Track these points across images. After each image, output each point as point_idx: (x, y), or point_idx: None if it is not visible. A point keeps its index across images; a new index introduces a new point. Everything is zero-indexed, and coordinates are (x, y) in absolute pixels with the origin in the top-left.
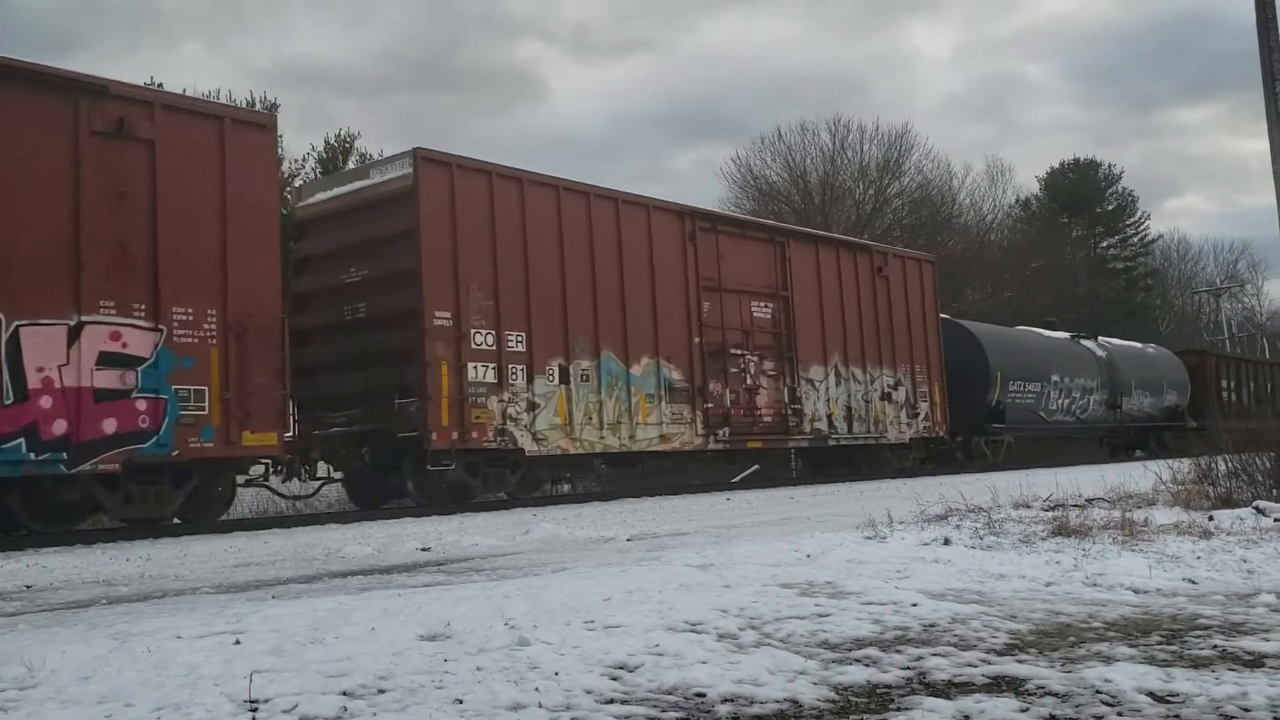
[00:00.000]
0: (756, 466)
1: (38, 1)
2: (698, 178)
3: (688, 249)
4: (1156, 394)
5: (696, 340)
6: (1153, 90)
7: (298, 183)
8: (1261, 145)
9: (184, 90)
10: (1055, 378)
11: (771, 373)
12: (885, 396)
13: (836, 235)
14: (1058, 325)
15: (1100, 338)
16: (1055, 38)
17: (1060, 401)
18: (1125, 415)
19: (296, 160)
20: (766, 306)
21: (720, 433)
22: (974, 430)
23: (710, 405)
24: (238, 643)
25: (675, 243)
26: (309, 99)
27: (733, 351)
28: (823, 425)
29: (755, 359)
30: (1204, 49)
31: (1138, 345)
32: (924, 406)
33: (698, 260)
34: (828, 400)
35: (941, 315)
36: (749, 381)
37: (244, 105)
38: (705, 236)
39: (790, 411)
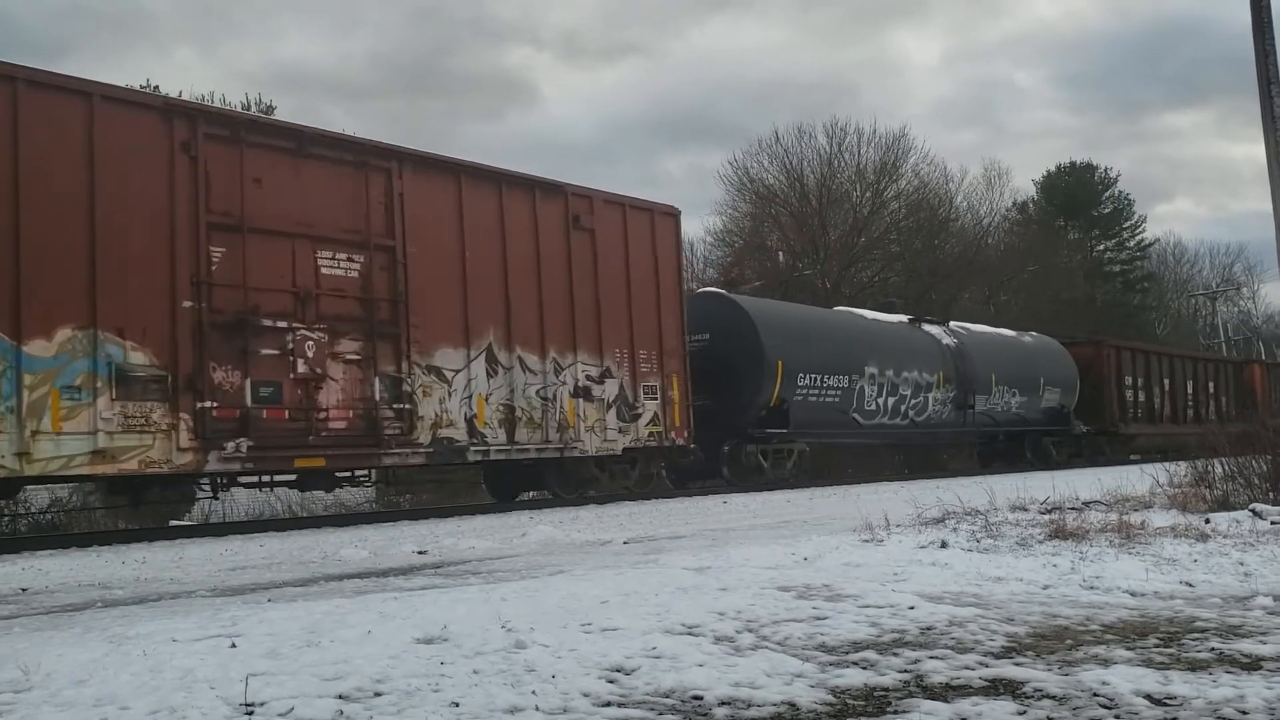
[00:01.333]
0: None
1: (28, 8)
2: (689, 181)
3: (178, 165)
4: (1030, 392)
5: (189, 304)
6: (1140, 96)
7: None
8: (1251, 150)
9: (180, 94)
10: (873, 370)
11: (353, 356)
12: (581, 392)
13: (499, 168)
14: (898, 307)
15: (954, 323)
16: (1041, 44)
17: (882, 400)
18: (983, 417)
19: None
20: (351, 261)
21: (232, 445)
22: (744, 437)
23: (213, 405)
24: (234, 646)
25: (157, 155)
26: (300, 103)
27: (268, 324)
28: (457, 433)
29: (320, 336)
30: (1188, 55)
31: (1008, 333)
32: (651, 406)
33: (206, 184)
34: (470, 398)
35: (711, 289)
36: (303, 369)
37: (258, 110)
38: (220, 149)
39: (391, 413)
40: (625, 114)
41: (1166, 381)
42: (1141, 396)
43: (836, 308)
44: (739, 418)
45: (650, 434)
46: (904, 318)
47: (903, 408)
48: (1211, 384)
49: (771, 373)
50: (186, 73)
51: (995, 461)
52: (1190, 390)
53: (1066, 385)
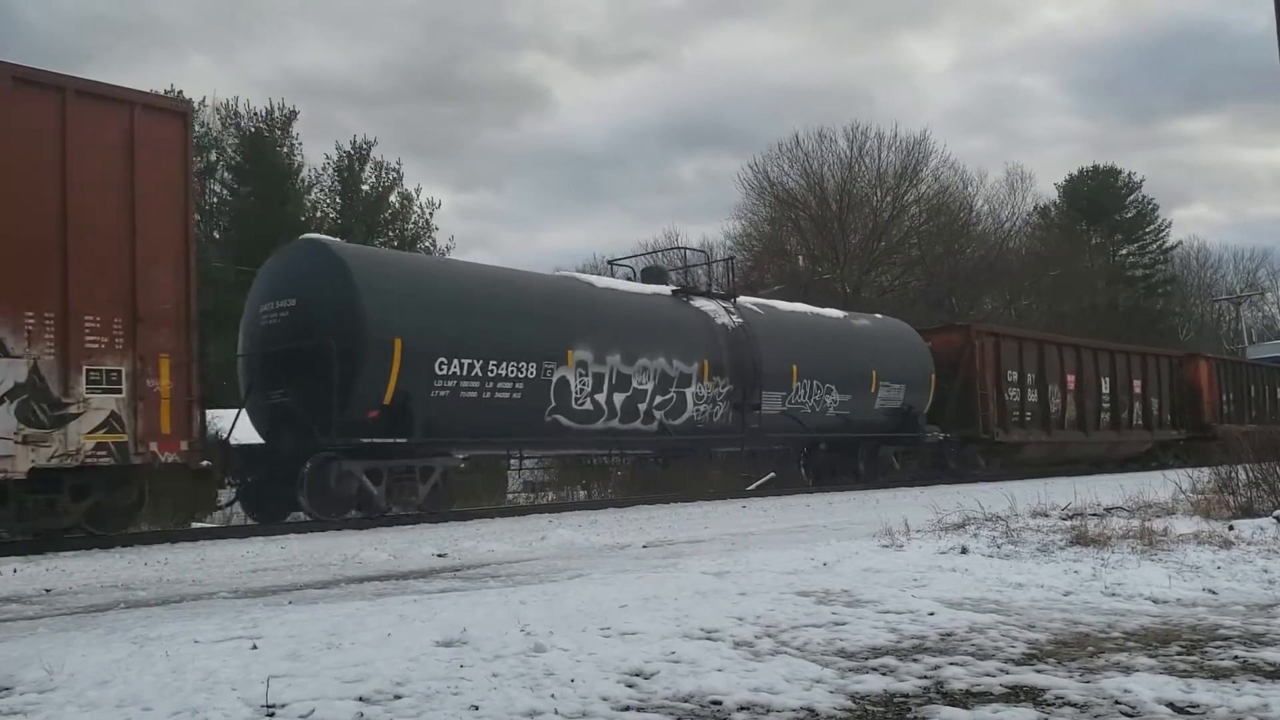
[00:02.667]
0: (773, 475)
1: (48, 17)
2: (701, 187)
3: None
4: (857, 389)
5: None
6: (1152, 101)
7: (312, 196)
8: (1267, 155)
9: (204, 99)
10: (586, 356)
11: None
12: None
13: None
14: (669, 278)
15: (747, 298)
16: (1052, 50)
17: (604, 397)
18: (781, 420)
19: (316, 169)
20: None
21: None
22: (341, 450)
23: None
24: (255, 648)
25: None
26: (314, 110)
27: None
28: None
29: None
30: (1200, 62)
31: (830, 314)
32: (104, 402)
33: None
34: None
35: (309, 236)
36: None
37: (261, 113)
38: None
39: None
40: (638, 120)
41: (1071, 378)
42: (1032, 396)
43: (556, 273)
44: (328, 421)
45: (98, 446)
46: (666, 289)
47: (642, 406)
48: (1138, 382)
49: (382, 354)
50: (202, 80)
51: (841, 475)
52: (1107, 389)
53: (915, 381)
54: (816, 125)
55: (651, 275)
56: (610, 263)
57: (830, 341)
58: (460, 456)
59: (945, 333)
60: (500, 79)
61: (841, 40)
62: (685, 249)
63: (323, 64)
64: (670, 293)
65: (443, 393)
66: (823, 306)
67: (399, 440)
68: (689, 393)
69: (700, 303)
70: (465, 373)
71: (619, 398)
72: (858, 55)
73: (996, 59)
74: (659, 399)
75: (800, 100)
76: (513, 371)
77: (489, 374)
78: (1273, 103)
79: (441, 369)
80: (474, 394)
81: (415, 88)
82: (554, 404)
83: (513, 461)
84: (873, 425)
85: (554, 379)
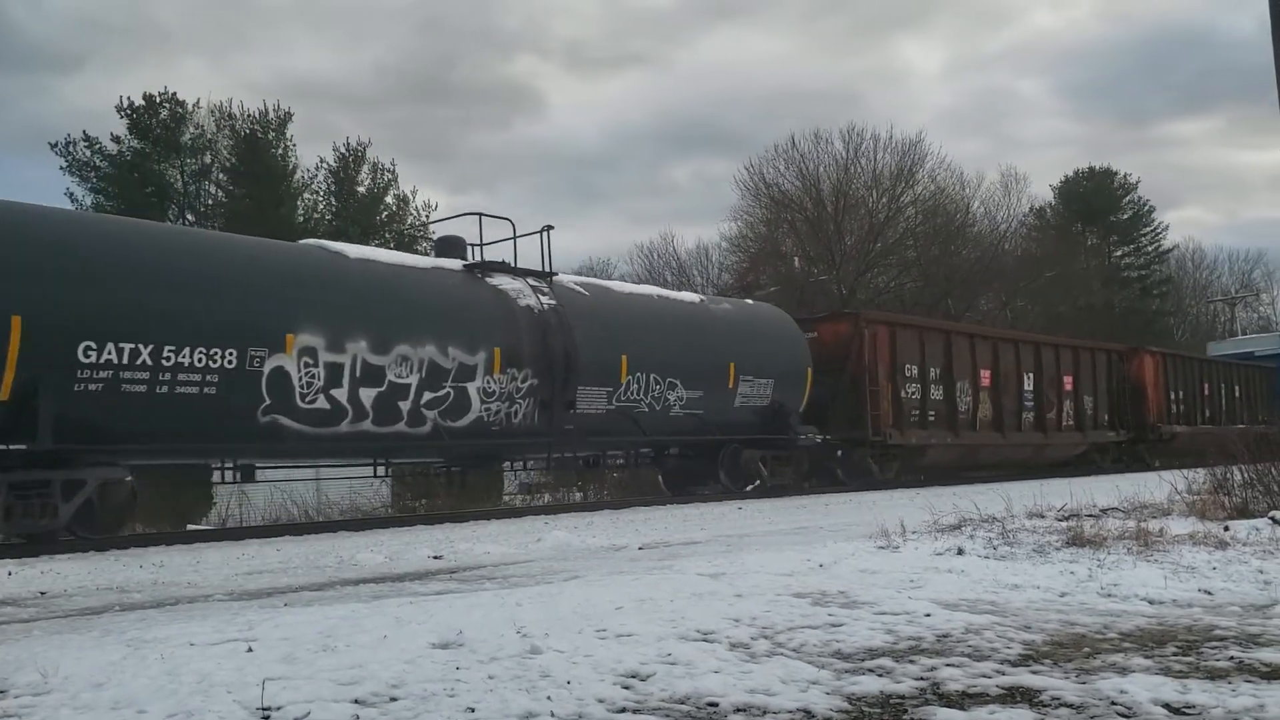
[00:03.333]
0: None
1: (41, 21)
2: (694, 189)
3: None
4: (711, 385)
5: None
6: (1145, 104)
7: (307, 198)
8: (1259, 158)
9: (198, 101)
10: (313, 340)
11: None
12: None
13: None
14: (463, 249)
15: (571, 277)
16: (1044, 54)
17: (345, 392)
18: (607, 420)
19: (310, 170)
20: None
21: None
22: None
23: None
24: (250, 650)
25: None
26: (308, 113)
27: None
28: None
29: None
30: (1193, 65)
31: (682, 298)
32: None
33: None
34: None
35: None
36: None
37: (256, 115)
38: None
39: None
40: (631, 123)
41: (985, 374)
42: (936, 393)
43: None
44: None
45: None
46: (457, 263)
47: (405, 405)
48: (1069, 378)
49: None
50: (194, 84)
51: (702, 484)
52: (1030, 386)
53: (787, 375)
54: (811, 127)
55: (446, 247)
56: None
57: (676, 329)
58: (127, 466)
59: (832, 322)
60: (493, 81)
61: (834, 42)
62: (483, 215)
63: (316, 67)
64: (461, 268)
65: (93, 386)
66: (768, 301)
67: (17, 447)
68: (473, 388)
69: (500, 280)
70: (128, 360)
71: (369, 394)
72: (850, 58)
73: (988, 62)
74: (429, 396)
75: (793, 103)
76: (202, 360)
77: (165, 363)
78: (1265, 105)
79: (89, 355)
80: (143, 388)
81: (408, 90)
82: (269, 402)
83: (227, 474)
84: (733, 426)
85: (266, 370)
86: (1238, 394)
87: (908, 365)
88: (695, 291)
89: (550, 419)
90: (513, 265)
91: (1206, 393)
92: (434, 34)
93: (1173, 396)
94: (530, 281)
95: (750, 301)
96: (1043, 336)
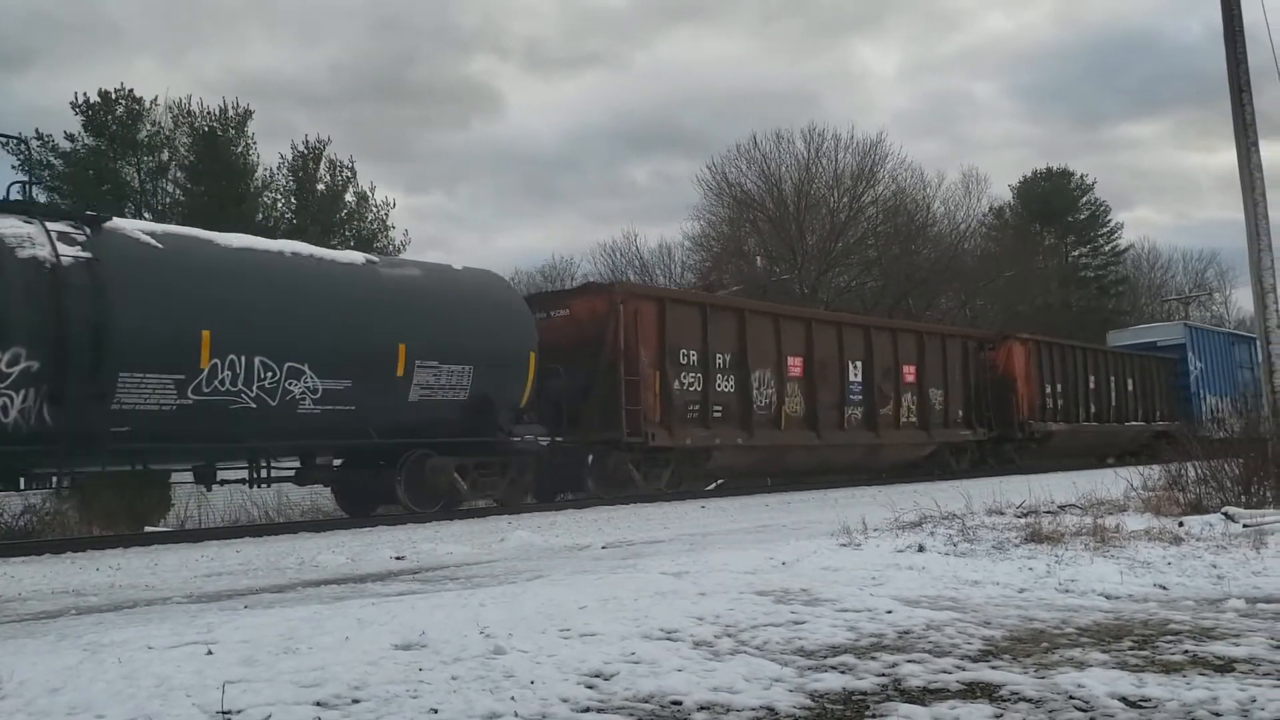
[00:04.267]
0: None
1: None
2: (654, 189)
3: None
4: (369, 373)
5: None
6: (1097, 107)
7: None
8: (1207, 159)
9: (155, 98)
10: None
11: None
12: None
13: None
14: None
15: (127, 221)
16: (996, 57)
17: None
18: (180, 423)
19: (269, 169)
20: None
21: None
22: None
23: None
24: (210, 653)
25: None
26: (265, 112)
27: None
28: None
29: None
30: (1142, 69)
31: (343, 258)
32: None
33: None
34: None
35: None
36: None
37: (235, 115)
38: None
39: None
40: (590, 123)
41: (794, 362)
42: (725, 385)
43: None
44: None
45: None
46: None
47: None
48: (910, 368)
49: None
50: (148, 82)
51: (378, 501)
52: (859, 377)
53: (496, 362)
54: (770, 128)
55: None
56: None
57: (310, 299)
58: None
59: (587, 297)
60: (451, 81)
61: (790, 45)
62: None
63: (271, 65)
64: None
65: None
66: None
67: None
68: None
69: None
70: None
71: None
72: (807, 60)
73: (943, 65)
74: None
75: (751, 103)
76: None
77: None
78: (1213, 109)
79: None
80: None
81: (365, 89)
82: None
83: None
84: (411, 427)
85: None
86: (1132, 387)
87: (684, 351)
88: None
89: (67, 419)
90: (35, 203)
91: (1093, 386)
92: (391, 33)
93: (1049, 390)
94: (54, 227)
95: (447, 265)
96: (874, 319)
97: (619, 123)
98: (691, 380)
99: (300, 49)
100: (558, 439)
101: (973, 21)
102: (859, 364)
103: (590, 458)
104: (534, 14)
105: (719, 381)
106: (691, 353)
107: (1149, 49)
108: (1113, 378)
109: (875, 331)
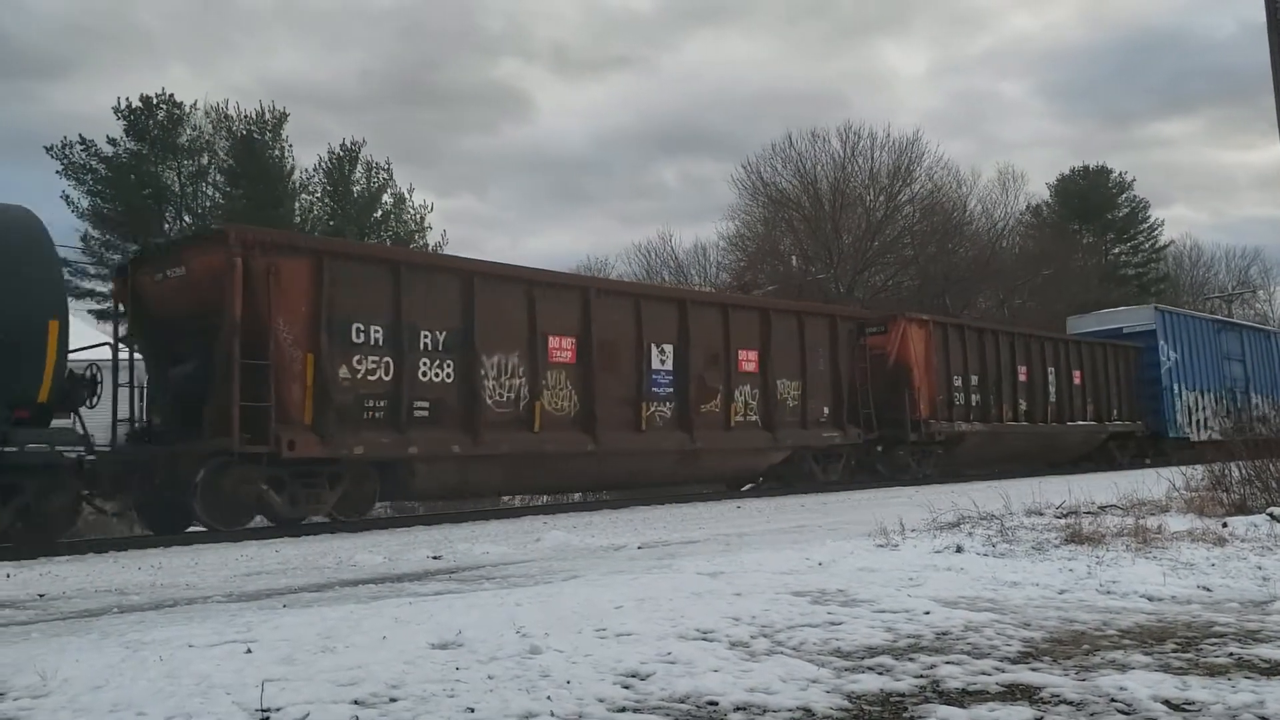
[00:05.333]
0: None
1: (28, 28)
2: (683, 190)
3: None
4: None
5: None
6: (1127, 105)
7: (304, 198)
8: (1244, 157)
9: (194, 103)
10: None
11: None
12: None
13: None
14: None
15: None
16: (1023, 57)
17: None
18: None
19: (305, 170)
20: None
21: None
22: None
23: None
24: (249, 651)
25: None
26: (295, 116)
27: None
28: None
29: None
30: (1171, 67)
31: None
32: None
33: None
34: None
35: None
36: None
37: (252, 116)
38: None
39: None
40: (617, 125)
41: (559, 344)
42: (433, 374)
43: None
44: None
45: None
46: None
47: None
48: (748, 354)
49: None
50: (180, 89)
51: None
52: (668, 365)
53: None
54: (797, 128)
55: None
56: None
57: None
58: None
59: (201, 250)
60: (478, 84)
61: (816, 46)
62: None
63: (300, 71)
64: None
65: None
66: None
67: None
68: None
69: None
70: None
71: None
72: (833, 61)
73: (970, 65)
74: None
75: (778, 104)
76: None
77: None
78: (1246, 106)
79: None
80: None
81: (392, 94)
82: None
83: None
84: None
85: None
86: (1080, 381)
87: (359, 325)
88: None
89: None
90: None
91: (1024, 378)
92: (415, 38)
93: (960, 383)
94: None
95: None
96: (694, 291)
97: (646, 125)
98: (374, 366)
99: (327, 54)
100: (175, 449)
101: (999, 21)
102: (668, 348)
103: (202, 475)
104: (558, 18)
105: (425, 368)
106: (375, 329)
107: (1177, 47)
108: (1052, 369)
109: (694, 307)
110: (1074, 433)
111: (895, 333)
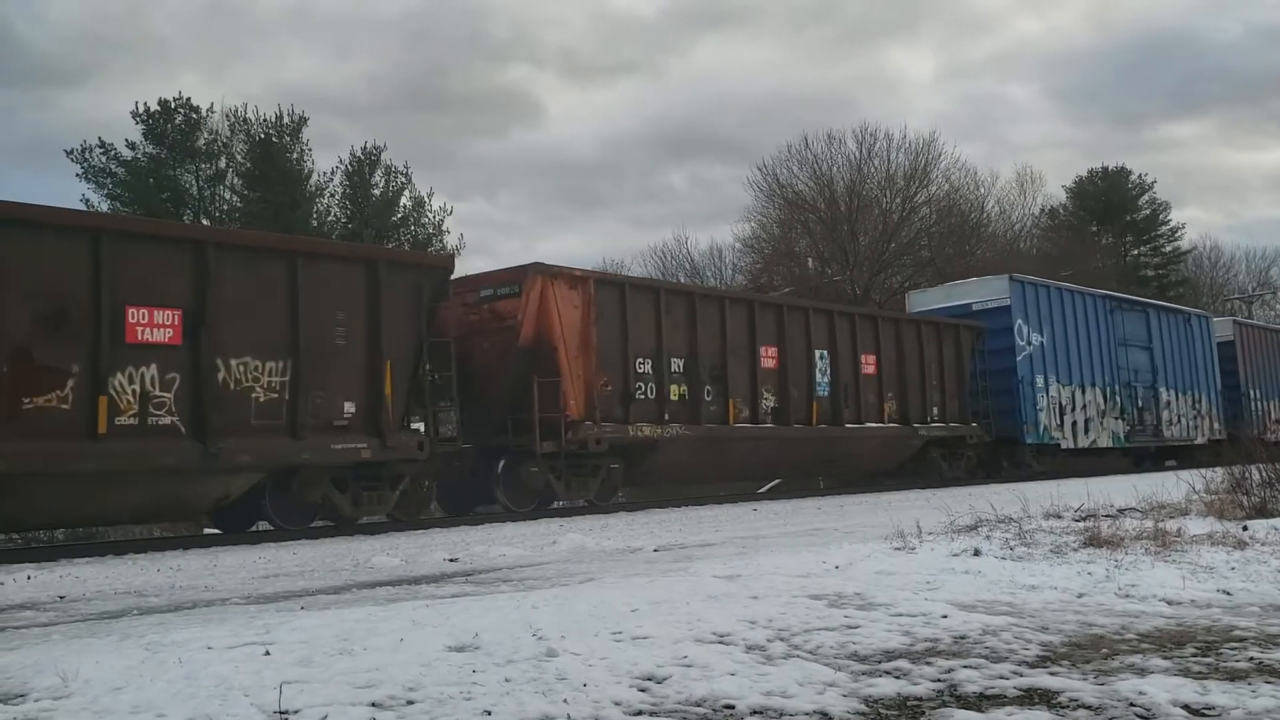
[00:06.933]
0: (779, 480)
1: (44, 36)
2: (693, 194)
3: None
4: None
5: None
6: (1136, 108)
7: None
8: (1256, 158)
9: (211, 105)
10: None
11: None
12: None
13: None
14: None
15: None
16: (1029, 60)
17: None
18: None
19: (323, 174)
20: None
21: None
22: None
23: None
24: (267, 653)
25: None
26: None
27: None
28: None
29: None
30: (1179, 69)
31: None
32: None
33: None
34: None
35: None
36: None
37: (270, 120)
38: None
39: None
40: (627, 130)
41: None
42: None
43: None
44: None
45: None
46: None
47: None
48: (168, 314)
49: None
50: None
51: None
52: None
53: None
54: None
55: None
56: None
57: None
58: None
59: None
60: (488, 89)
61: (823, 50)
62: None
63: (311, 77)
64: None
65: None
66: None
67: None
68: None
69: None
70: None
71: None
72: (841, 65)
73: (976, 69)
74: None
75: (787, 109)
76: None
77: None
78: (1257, 107)
79: None
80: None
81: (402, 99)
82: None
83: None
84: None
85: None
86: (874, 369)
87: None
88: None
89: None
90: None
91: (771, 364)
92: (424, 44)
93: (648, 368)
94: None
95: None
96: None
97: (655, 129)
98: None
99: (336, 61)
100: None
101: (1004, 25)
102: (824, 354)
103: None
104: (564, 24)
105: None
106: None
107: (1184, 49)
108: (823, 353)
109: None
110: (863, 439)
111: (530, 296)
